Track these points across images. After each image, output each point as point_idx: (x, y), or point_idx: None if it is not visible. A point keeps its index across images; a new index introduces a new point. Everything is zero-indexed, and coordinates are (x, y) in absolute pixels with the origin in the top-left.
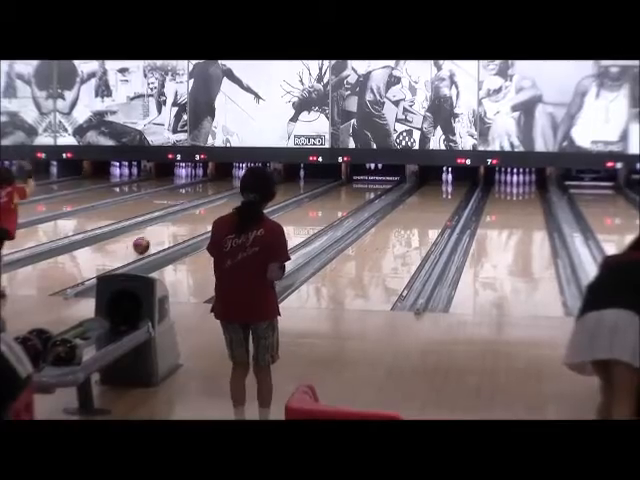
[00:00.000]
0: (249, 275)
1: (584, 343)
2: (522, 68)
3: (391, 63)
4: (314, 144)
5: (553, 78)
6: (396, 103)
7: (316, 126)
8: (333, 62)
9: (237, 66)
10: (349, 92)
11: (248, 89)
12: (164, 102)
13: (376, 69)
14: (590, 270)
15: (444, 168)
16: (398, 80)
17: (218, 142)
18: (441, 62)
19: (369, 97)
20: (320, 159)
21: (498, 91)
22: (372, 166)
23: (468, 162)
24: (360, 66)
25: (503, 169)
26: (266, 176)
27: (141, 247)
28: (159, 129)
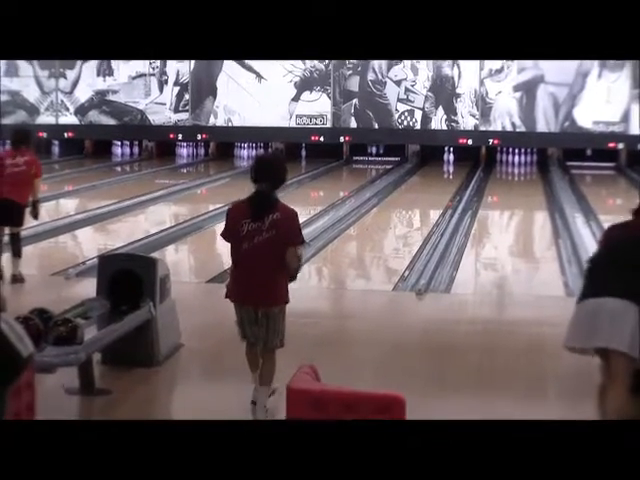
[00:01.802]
0: (265, 258)
1: (583, 330)
2: None
3: None
4: (316, 124)
5: None
6: (398, 83)
7: (318, 106)
8: None
9: None
10: (351, 72)
11: (250, 69)
12: (166, 81)
13: None
14: (591, 250)
15: (446, 148)
16: (400, 60)
17: (220, 122)
18: None
19: (371, 77)
20: (322, 139)
21: (500, 71)
22: (373, 150)
23: (470, 142)
24: None
25: (505, 149)
26: (276, 164)
27: None
28: (161, 108)
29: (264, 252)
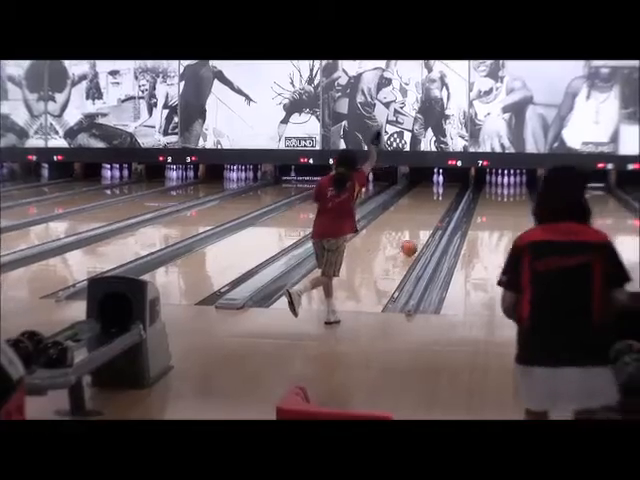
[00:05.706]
0: (342, 209)
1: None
2: (513, 69)
3: (382, 64)
4: (305, 146)
5: (544, 79)
6: (387, 105)
7: (307, 128)
8: (324, 64)
9: (228, 68)
10: (340, 94)
11: (239, 91)
12: (155, 104)
13: (367, 71)
14: None
15: (435, 169)
16: (389, 82)
17: (209, 144)
18: (432, 63)
19: (360, 99)
20: (311, 161)
21: (489, 92)
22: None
23: (459, 163)
24: (351, 68)
25: (494, 170)
26: (351, 157)
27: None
28: (150, 131)
29: (343, 205)
